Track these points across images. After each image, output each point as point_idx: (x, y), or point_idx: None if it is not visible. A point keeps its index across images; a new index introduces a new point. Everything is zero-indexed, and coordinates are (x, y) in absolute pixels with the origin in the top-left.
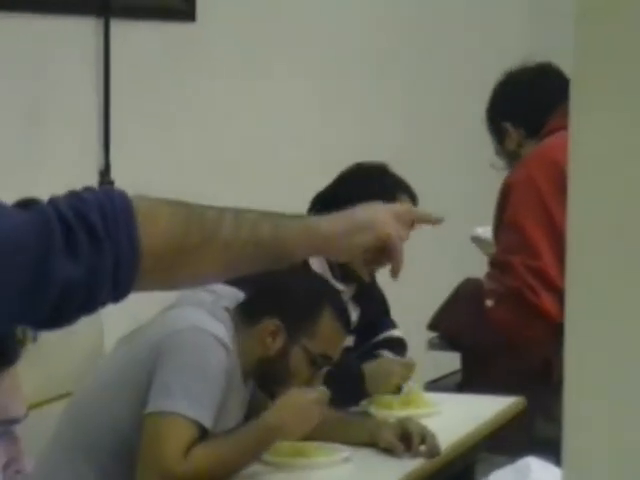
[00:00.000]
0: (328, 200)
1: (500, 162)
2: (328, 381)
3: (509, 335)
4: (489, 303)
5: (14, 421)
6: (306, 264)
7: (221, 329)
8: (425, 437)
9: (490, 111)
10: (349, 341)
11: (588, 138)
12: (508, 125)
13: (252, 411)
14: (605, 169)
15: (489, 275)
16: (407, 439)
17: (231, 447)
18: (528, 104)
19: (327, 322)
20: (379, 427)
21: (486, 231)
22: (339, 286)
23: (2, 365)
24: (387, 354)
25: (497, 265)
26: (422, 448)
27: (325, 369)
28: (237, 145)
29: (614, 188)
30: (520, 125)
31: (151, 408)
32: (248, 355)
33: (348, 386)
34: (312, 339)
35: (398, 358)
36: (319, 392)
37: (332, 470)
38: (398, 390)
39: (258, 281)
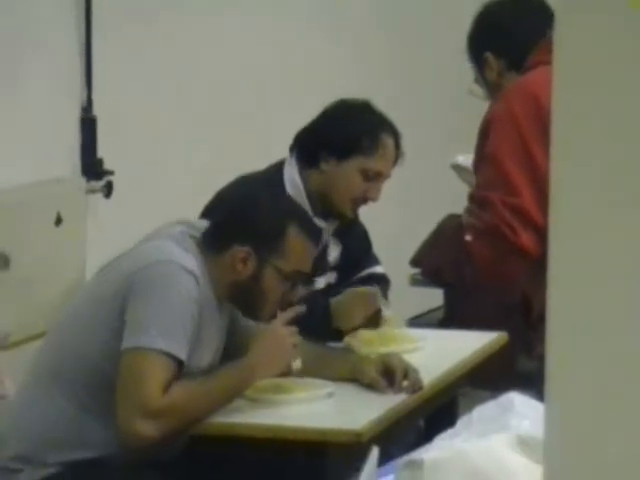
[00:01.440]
0: (312, 136)
1: (479, 89)
2: (296, 319)
3: (487, 270)
4: (468, 238)
5: None
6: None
7: (189, 259)
8: (408, 372)
9: (471, 39)
10: (331, 278)
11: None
12: (488, 55)
13: (233, 335)
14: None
15: (468, 210)
16: (389, 374)
17: (211, 384)
18: (510, 35)
19: (294, 238)
20: (361, 363)
21: (466, 159)
22: (320, 223)
23: None
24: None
25: (476, 200)
26: (405, 383)
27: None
28: (221, 78)
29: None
30: (501, 56)
31: (125, 344)
32: (220, 281)
33: (316, 322)
34: (282, 257)
35: (360, 288)
36: (295, 337)
37: (314, 405)
38: (376, 323)
39: (223, 209)
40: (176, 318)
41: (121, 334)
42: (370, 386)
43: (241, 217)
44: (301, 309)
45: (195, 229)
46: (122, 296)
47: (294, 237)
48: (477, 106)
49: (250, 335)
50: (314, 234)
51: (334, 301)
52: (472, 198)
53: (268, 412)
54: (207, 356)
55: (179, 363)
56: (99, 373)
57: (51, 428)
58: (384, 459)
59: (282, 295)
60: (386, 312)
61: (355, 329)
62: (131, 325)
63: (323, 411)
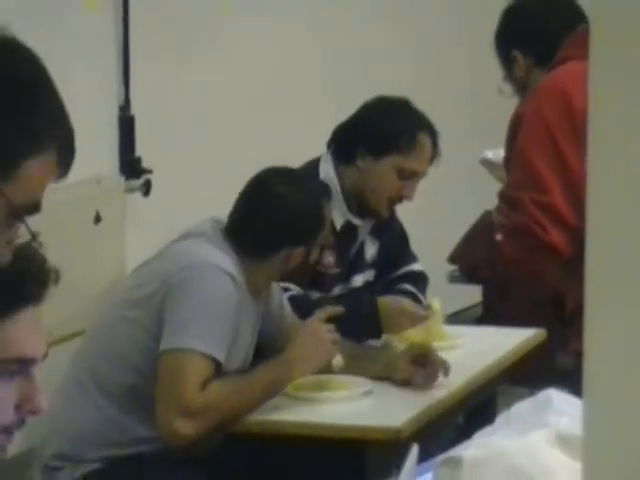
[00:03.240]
0: (349, 132)
1: (508, 88)
2: (343, 317)
3: (518, 269)
4: (498, 237)
5: (31, 361)
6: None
7: (226, 259)
8: (435, 358)
9: (498, 37)
10: (369, 275)
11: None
12: (516, 52)
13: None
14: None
15: (499, 209)
16: (421, 363)
17: (249, 381)
18: (537, 32)
19: (326, 214)
20: (393, 360)
21: (496, 154)
22: (356, 221)
23: (25, 304)
24: (409, 288)
25: (506, 200)
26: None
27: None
28: (258, 79)
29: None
30: (528, 53)
31: (165, 345)
32: (271, 276)
33: (361, 320)
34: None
35: (414, 305)
36: (333, 334)
37: (354, 403)
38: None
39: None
40: (214, 320)
41: (158, 335)
42: (405, 382)
43: (281, 211)
44: (339, 309)
45: (230, 231)
46: (160, 298)
47: (326, 213)
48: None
49: (283, 321)
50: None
51: (382, 303)
52: (502, 197)
53: (308, 410)
54: (241, 353)
55: (217, 364)
56: (135, 373)
57: (90, 427)
58: (423, 456)
59: (309, 265)
60: (433, 302)
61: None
62: (170, 327)
63: (362, 409)
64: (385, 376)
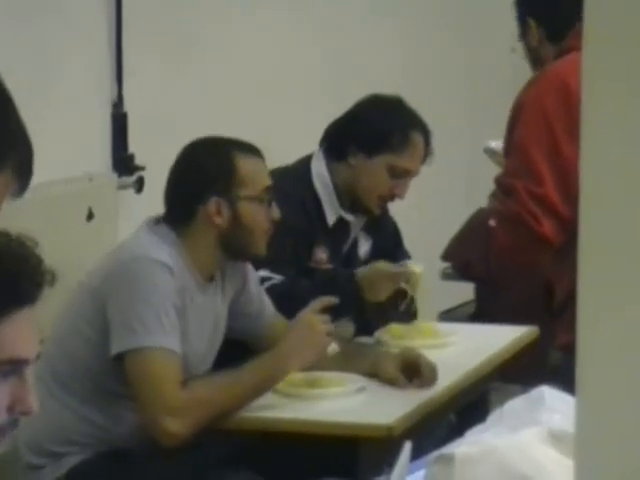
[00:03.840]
0: (342, 130)
1: (520, 48)
2: (325, 292)
3: (510, 257)
4: (492, 222)
5: (24, 362)
6: (313, 192)
7: (162, 249)
8: (422, 367)
9: (517, 1)
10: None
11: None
12: (531, 20)
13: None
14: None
15: (494, 194)
16: (408, 370)
17: (240, 376)
18: (553, 6)
19: (243, 162)
20: (381, 359)
21: (499, 144)
22: (349, 217)
23: (20, 305)
24: (402, 285)
25: (501, 187)
26: (425, 379)
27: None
28: (253, 76)
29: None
30: (542, 24)
31: (119, 347)
32: (205, 249)
33: (344, 294)
34: (244, 186)
35: (391, 265)
36: (328, 325)
37: (346, 400)
38: (413, 315)
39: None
40: (157, 312)
41: (103, 330)
42: (390, 382)
43: (188, 176)
44: (331, 299)
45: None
46: (101, 294)
47: (243, 161)
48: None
49: (265, 319)
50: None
51: (360, 273)
52: (498, 183)
53: (300, 407)
54: (201, 342)
55: (178, 355)
56: (89, 370)
57: (61, 424)
58: (416, 454)
59: (265, 221)
60: (413, 267)
61: (380, 302)
62: (117, 326)
63: (355, 406)
64: (372, 374)
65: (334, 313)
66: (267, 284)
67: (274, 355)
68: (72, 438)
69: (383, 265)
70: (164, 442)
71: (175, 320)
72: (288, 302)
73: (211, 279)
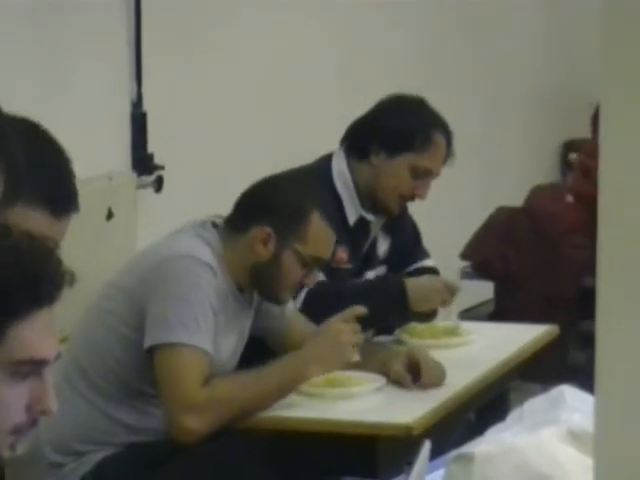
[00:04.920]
0: (364, 129)
1: None
2: (370, 300)
3: (575, 234)
4: (569, 198)
5: (44, 363)
6: (334, 191)
7: (205, 250)
8: (429, 366)
9: None
10: (381, 271)
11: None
12: None
13: (263, 322)
14: None
15: (574, 172)
16: (415, 369)
17: (261, 377)
18: None
19: (315, 224)
20: (389, 358)
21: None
22: (369, 217)
23: (39, 306)
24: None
25: (581, 166)
26: (425, 380)
27: (317, 272)
28: (271, 75)
29: None
30: None
31: (151, 342)
32: (240, 267)
33: (390, 303)
34: (302, 241)
35: (444, 278)
36: (357, 335)
37: (365, 399)
38: (433, 315)
39: (246, 192)
40: (196, 311)
41: (137, 327)
42: (396, 381)
43: (263, 197)
44: (362, 309)
45: (220, 220)
46: (139, 291)
47: (316, 222)
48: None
49: (277, 318)
50: (333, 226)
51: (410, 282)
52: (578, 163)
53: (319, 406)
54: (228, 346)
55: (207, 355)
56: (117, 365)
57: (84, 421)
58: (435, 453)
59: (299, 279)
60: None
61: (428, 314)
62: (153, 321)
63: (374, 405)
64: (383, 373)
65: (375, 320)
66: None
67: (296, 359)
68: (98, 437)
69: (437, 279)
70: (181, 438)
71: (211, 321)
72: (330, 303)
73: (242, 290)
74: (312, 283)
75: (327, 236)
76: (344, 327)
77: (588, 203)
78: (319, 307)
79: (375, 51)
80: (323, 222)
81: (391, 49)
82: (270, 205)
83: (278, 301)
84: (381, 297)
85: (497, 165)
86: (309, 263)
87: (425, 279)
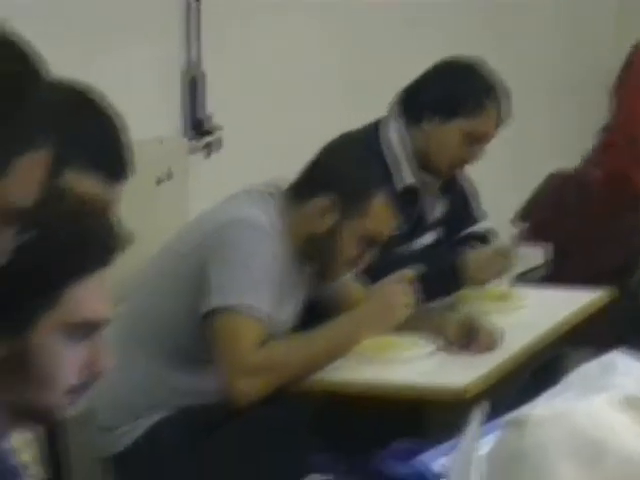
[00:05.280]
0: (417, 94)
1: None
2: (423, 274)
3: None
4: (597, 174)
5: (98, 325)
6: (382, 157)
7: (262, 215)
8: (486, 332)
9: None
10: (438, 234)
11: None
12: None
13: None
14: None
15: (598, 149)
16: (469, 334)
17: (313, 340)
18: None
19: (379, 201)
20: (443, 322)
21: None
22: (425, 177)
23: (94, 268)
24: (477, 246)
25: (604, 141)
26: (480, 344)
27: (372, 251)
28: (331, 37)
29: None
30: None
31: (211, 305)
32: (297, 236)
33: (442, 277)
34: (363, 217)
35: (501, 247)
36: (409, 296)
37: (418, 363)
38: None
39: (311, 161)
40: (255, 276)
41: (196, 292)
42: (451, 346)
43: (331, 169)
44: (413, 273)
45: (279, 187)
46: (199, 256)
47: (380, 200)
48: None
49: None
50: (397, 205)
51: (468, 254)
52: (602, 137)
53: (372, 369)
54: (286, 313)
55: (265, 319)
56: (176, 333)
57: (138, 385)
58: (488, 417)
59: (354, 256)
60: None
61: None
62: (213, 285)
63: (427, 369)
64: (436, 336)
65: (431, 290)
66: None
67: (348, 322)
68: (152, 401)
69: (492, 251)
70: (236, 400)
71: (270, 286)
72: (391, 268)
73: (298, 259)
74: (366, 263)
75: (389, 216)
76: (395, 288)
77: (617, 179)
78: (373, 275)
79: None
80: (387, 201)
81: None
82: (337, 177)
83: (327, 277)
84: (434, 274)
85: (552, 127)
86: (367, 241)
87: (480, 253)
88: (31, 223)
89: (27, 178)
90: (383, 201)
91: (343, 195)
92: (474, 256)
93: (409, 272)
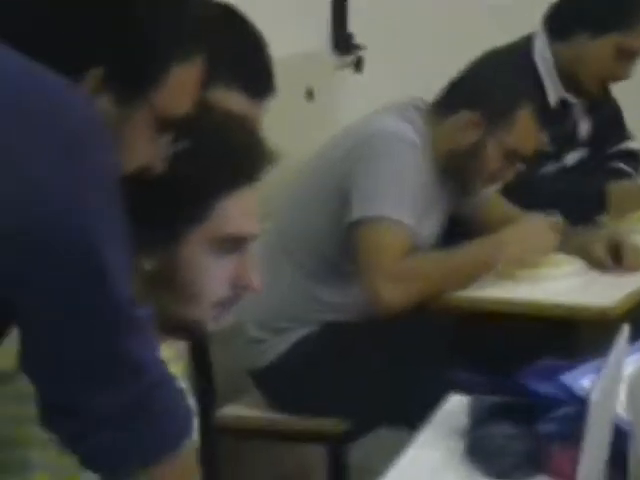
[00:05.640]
0: (567, 9)
1: None
2: (568, 197)
3: None
4: None
5: (246, 239)
6: (535, 72)
7: (408, 128)
8: (631, 249)
9: None
10: (583, 153)
11: None
12: None
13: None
14: None
15: None
16: (616, 253)
17: (457, 255)
18: None
19: (524, 118)
20: (590, 240)
21: None
22: (570, 98)
23: (243, 182)
24: (622, 166)
25: None
26: (626, 262)
27: (515, 168)
28: None
29: None
30: None
31: (357, 214)
32: (441, 150)
33: (587, 204)
34: (508, 134)
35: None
36: (555, 227)
37: (564, 282)
38: None
39: (457, 76)
40: (401, 187)
41: (343, 203)
42: (596, 264)
43: (477, 83)
44: (562, 223)
45: (423, 102)
46: (346, 167)
47: (526, 116)
48: None
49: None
50: (541, 121)
51: (611, 186)
52: None
53: (516, 287)
54: (429, 226)
55: (410, 231)
56: (323, 247)
57: (285, 298)
58: (634, 336)
59: (495, 171)
60: None
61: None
62: (359, 196)
63: (573, 287)
64: (581, 255)
65: (574, 215)
66: None
67: (496, 239)
68: (298, 314)
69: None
70: (379, 308)
71: (415, 198)
72: (533, 193)
73: (441, 173)
74: (509, 178)
75: (533, 132)
76: (546, 222)
77: None
78: (517, 193)
79: None
80: (531, 118)
81: None
82: (484, 91)
83: (468, 190)
84: (581, 197)
85: None
86: (510, 156)
87: (625, 184)
88: (184, 134)
89: (182, 89)
90: (529, 115)
91: (488, 108)
92: (619, 186)
93: (559, 220)
